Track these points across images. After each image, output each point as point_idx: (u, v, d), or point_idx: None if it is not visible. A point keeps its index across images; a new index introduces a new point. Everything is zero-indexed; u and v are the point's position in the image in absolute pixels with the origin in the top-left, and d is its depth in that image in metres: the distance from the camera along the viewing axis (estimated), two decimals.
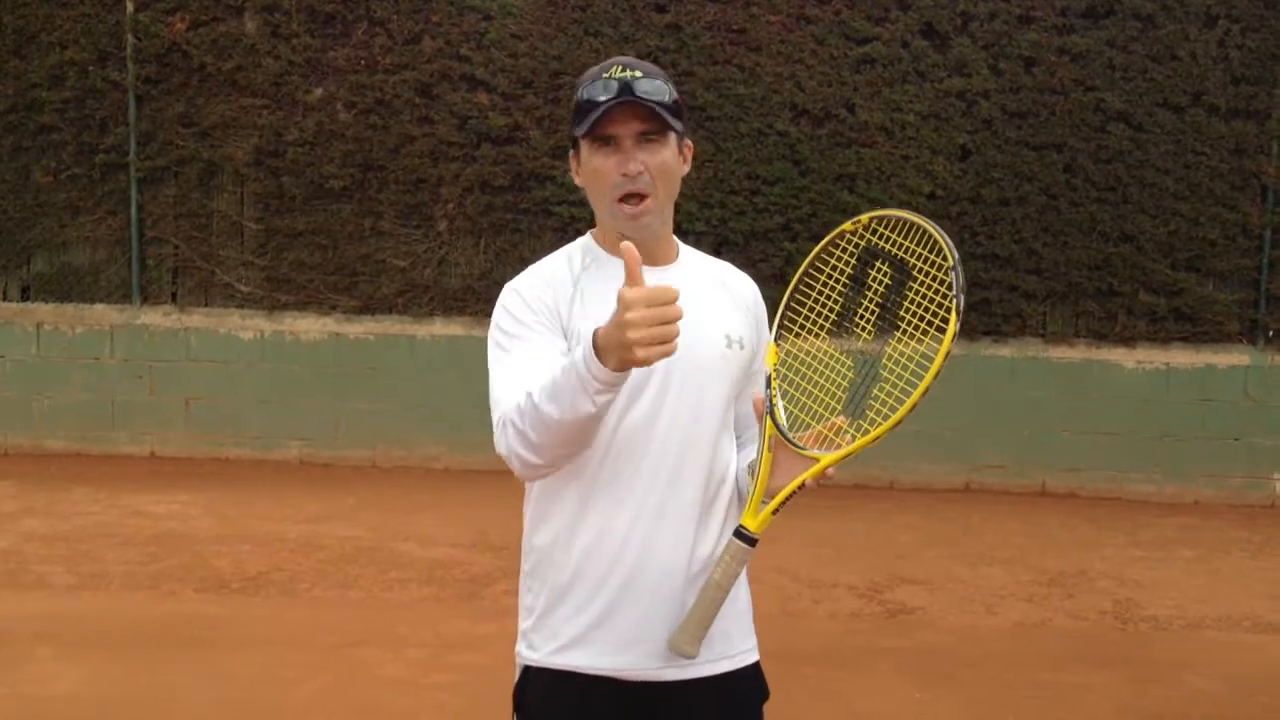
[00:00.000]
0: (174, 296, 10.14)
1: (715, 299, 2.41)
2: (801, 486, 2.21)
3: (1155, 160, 9.44)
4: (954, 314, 2.11)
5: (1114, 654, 5.96)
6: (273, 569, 6.88)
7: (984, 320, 9.56)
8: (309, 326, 9.97)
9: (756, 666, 2.46)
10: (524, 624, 2.41)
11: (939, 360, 2.12)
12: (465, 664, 5.45)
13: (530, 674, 2.39)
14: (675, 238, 2.46)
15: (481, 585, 6.68)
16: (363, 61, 9.76)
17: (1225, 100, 9.40)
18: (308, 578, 6.76)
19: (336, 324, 9.97)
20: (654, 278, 2.33)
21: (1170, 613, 6.64)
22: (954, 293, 2.12)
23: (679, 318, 1.94)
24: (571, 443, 2.15)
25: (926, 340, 2.20)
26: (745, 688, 2.43)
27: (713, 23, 9.52)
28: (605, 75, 2.25)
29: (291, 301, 10.00)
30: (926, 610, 6.57)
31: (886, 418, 2.19)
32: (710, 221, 9.41)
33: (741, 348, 2.39)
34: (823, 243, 2.38)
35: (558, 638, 2.34)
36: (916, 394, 2.14)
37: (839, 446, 2.19)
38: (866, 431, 2.20)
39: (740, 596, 2.42)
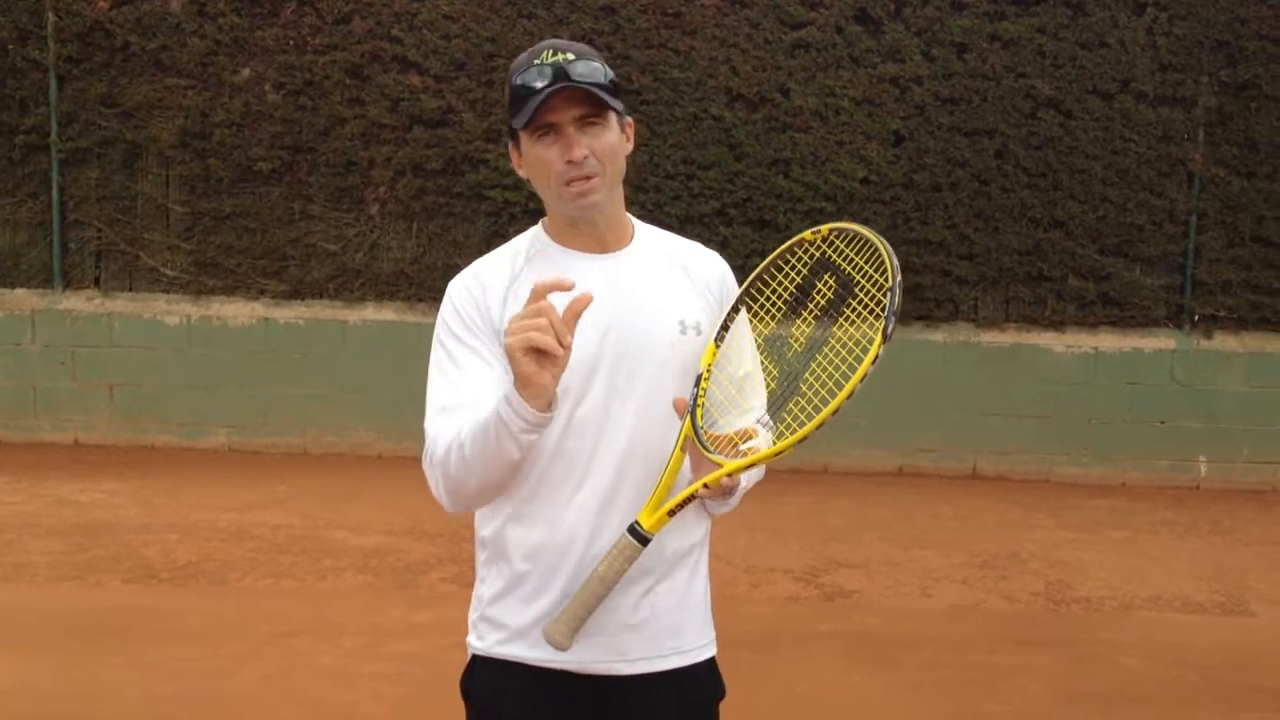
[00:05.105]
0: (97, 281, 9.93)
1: (670, 283, 2.35)
2: (699, 491, 2.14)
3: (1084, 146, 9.56)
4: (880, 336, 2.03)
5: (1048, 635, 6.04)
6: (203, 558, 6.76)
7: (916, 305, 9.61)
8: (237, 311, 9.80)
9: (712, 662, 2.43)
10: (473, 614, 2.38)
11: (854, 381, 2.03)
12: (403, 653, 5.39)
13: (477, 663, 2.36)
14: (632, 218, 2.40)
15: (417, 573, 6.62)
16: (291, 41, 9.59)
17: (1153, 87, 9.53)
18: (239, 567, 6.65)
19: (265, 309, 9.81)
20: (604, 264, 2.31)
21: (1101, 594, 6.74)
22: (885, 314, 2.03)
23: (545, 324, 1.94)
24: (490, 485, 2.18)
25: (850, 359, 2.12)
26: (700, 684, 2.39)
27: (648, 6, 9.48)
28: (538, 62, 2.18)
29: (219, 286, 9.82)
30: (863, 593, 6.61)
31: (795, 431, 2.14)
32: (645, 206, 9.35)
33: (698, 333, 2.32)
34: (780, 249, 2.36)
35: (504, 628, 2.31)
36: (825, 412, 2.08)
37: (743, 455, 2.14)
38: (773, 443, 2.16)
39: (695, 591, 2.39)
